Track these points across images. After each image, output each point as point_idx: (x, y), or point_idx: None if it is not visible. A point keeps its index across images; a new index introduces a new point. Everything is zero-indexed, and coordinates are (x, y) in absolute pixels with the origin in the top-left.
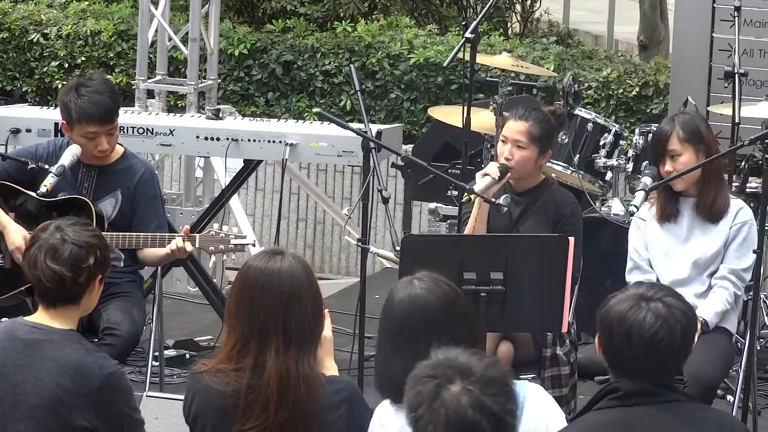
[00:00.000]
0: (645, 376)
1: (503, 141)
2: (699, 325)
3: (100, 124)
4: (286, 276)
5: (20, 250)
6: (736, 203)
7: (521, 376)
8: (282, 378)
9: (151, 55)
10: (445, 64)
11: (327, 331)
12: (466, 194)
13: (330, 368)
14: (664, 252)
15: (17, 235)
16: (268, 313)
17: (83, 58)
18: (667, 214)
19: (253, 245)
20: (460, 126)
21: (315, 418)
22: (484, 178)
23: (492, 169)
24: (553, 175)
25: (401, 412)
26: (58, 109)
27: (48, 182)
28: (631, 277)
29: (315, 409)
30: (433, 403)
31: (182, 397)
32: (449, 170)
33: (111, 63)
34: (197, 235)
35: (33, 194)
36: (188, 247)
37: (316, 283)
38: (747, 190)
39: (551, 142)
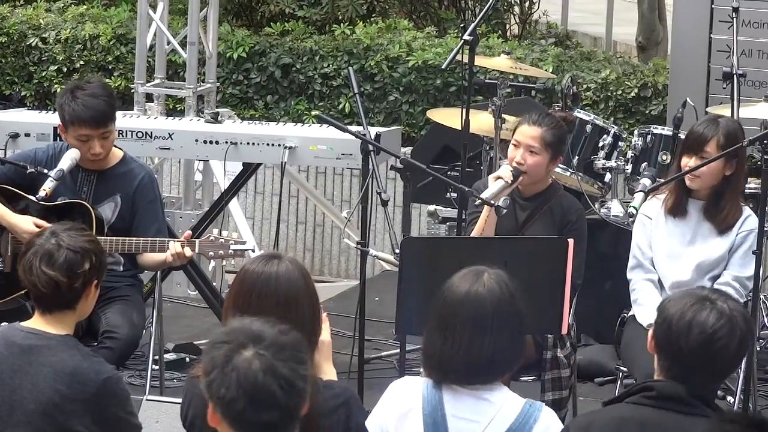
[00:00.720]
0: (692, 375)
1: (515, 145)
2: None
3: (92, 127)
4: (283, 280)
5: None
6: (744, 210)
7: (521, 378)
8: None
9: (149, 59)
10: (443, 67)
11: (325, 335)
12: (479, 198)
13: (328, 372)
14: (667, 253)
15: (28, 223)
16: (264, 317)
17: (82, 62)
18: (676, 209)
19: (253, 251)
20: (459, 128)
21: (312, 423)
22: (497, 182)
23: (506, 172)
24: (552, 176)
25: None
26: (56, 113)
27: (47, 186)
28: (632, 275)
29: (312, 414)
30: (225, 367)
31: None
32: (448, 173)
33: (110, 67)
34: (197, 241)
35: (32, 198)
36: (188, 252)
37: (313, 288)
38: (746, 191)
39: (562, 148)
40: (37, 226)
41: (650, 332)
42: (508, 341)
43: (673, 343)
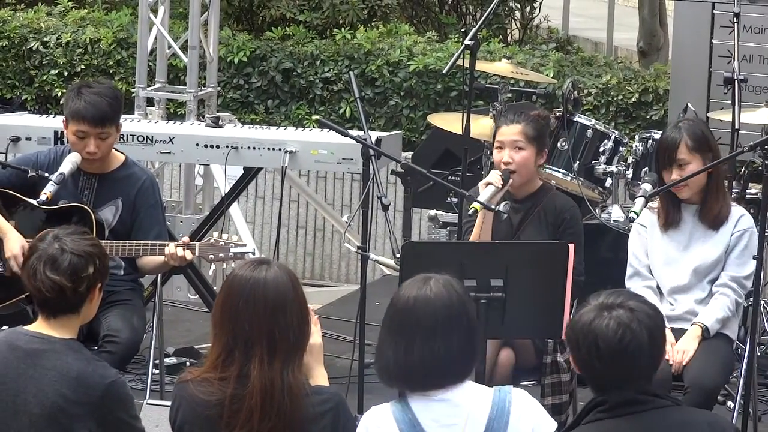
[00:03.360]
0: (623, 385)
1: (499, 148)
2: (668, 328)
3: (90, 124)
4: (271, 286)
5: (17, 258)
6: (737, 210)
7: (521, 383)
8: (266, 388)
9: (150, 63)
10: (444, 71)
11: (316, 338)
12: (472, 206)
13: (319, 376)
14: (664, 259)
15: (15, 244)
16: (252, 323)
17: (83, 66)
18: (670, 221)
19: (253, 254)
20: (460, 133)
21: (299, 429)
22: (488, 188)
23: (494, 177)
24: (552, 181)
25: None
26: (57, 117)
27: (48, 190)
28: (630, 284)
29: (299, 419)
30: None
31: None
32: (449, 177)
33: (110, 71)
34: (197, 244)
35: (33, 202)
36: (188, 255)
37: (302, 293)
38: (747, 196)
39: (545, 141)
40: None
41: (570, 358)
42: (459, 344)
43: (588, 363)
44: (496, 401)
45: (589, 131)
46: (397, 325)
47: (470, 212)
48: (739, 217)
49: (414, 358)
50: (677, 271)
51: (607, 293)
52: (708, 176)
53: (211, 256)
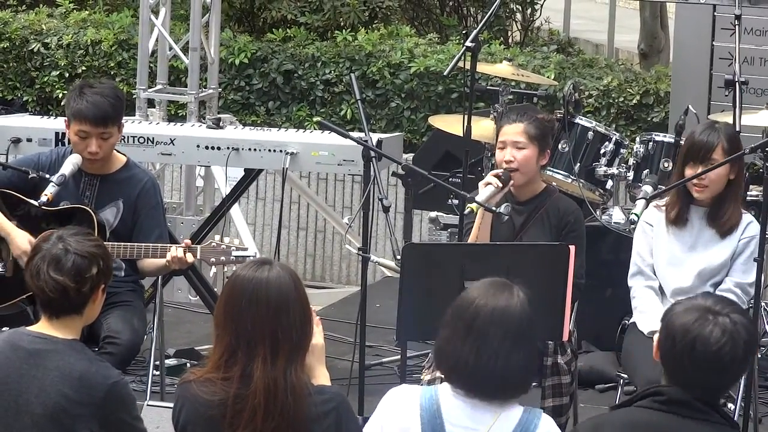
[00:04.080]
0: (695, 388)
1: (501, 147)
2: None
3: (92, 124)
4: (274, 286)
5: (27, 254)
6: (745, 217)
7: None
8: (269, 388)
9: (151, 65)
10: (445, 73)
11: (318, 338)
12: (468, 205)
13: (321, 376)
14: (668, 259)
15: (23, 240)
16: (255, 323)
17: (84, 68)
18: (678, 218)
19: (255, 257)
20: (461, 135)
21: (302, 428)
22: (487, 188)
23: (493, 178)
24: (554, 183)
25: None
26: (58, 118)
27: (49, 191)
28: (633, 282)
29: (302, 419)
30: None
31: None
32: (450, 179)
33: (112, 72)
34: (199, 247)
35: (34, 203)
36: (189, 258)
37: (304, 293)
38: (747, 198)
39: (548, 141)
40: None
41: (655, 343)
42: (532, 355)
43: (677, 359)
44: (523, 421)
45: (590, 133)
46: (478, 329)
47: (466, 212)
48: (748, 224)
49: (499, 366)
50: (681, 273)
51: (714, 298)
52: (728, 182)
53: (213, 259)
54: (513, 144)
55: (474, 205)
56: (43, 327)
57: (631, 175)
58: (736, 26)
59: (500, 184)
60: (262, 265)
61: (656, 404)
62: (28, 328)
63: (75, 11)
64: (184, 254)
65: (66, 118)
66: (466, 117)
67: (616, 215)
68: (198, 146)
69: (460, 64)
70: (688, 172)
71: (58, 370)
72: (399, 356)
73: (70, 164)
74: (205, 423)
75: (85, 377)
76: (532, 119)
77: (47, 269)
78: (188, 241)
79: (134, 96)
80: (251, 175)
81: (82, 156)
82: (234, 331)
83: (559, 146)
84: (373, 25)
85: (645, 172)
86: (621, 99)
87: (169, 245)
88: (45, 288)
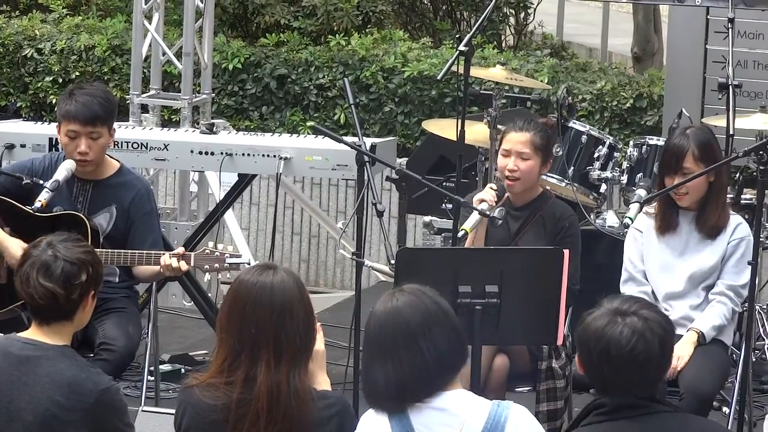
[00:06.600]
0: (628, 390)
1: (505, 155)
2: (681, 335)
3: (81, 123)
4: (278, 290)
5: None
6: (734, 219)
7: (517, 389)
8: (272, 392)
9: (145, 70)
10: (439, 77)
11: (320, 344)
12: (461, 228)
13: (322, 382)
14: (660, 265)
15: (18, 249)
16: (259, 327)
17: (77, 73)
18: (667, 226)
19: (248, 264)
20: (455, 139)
21: None
22: (474, 214)
23: (489, 194)
24: (547, 187)
25: (384, 420)
26: (52, 124)
27: (43, 197)
28: (625, 289)
29: (305, 423)
30: None
31: None
32: (444, 183)
33: (105, 78)
34: (192, 254)
35: (28, 209)
36: (183, 266)
37: (308, 298)
38: (741, 201)
39: (551, 152)
40: None
41: (576, 358)
42: (445, 341)
43: (597, 367)
44: (493, 414)
45: (584, 137)
46: (378, 346)
47: (459, 235)
48: (736, 226)
49: (404, 370)
50: (673, 278)
51: (621, 299)
52: (709, 185)
53: (206, 266)
54: (518, 154)
55: (468, 227)
56: (33, 333)
57: (624, 178)
58: (730, 29)
59: (494, 201)
60: (266, 270)
61: (600, 416)
62: (19, 334)
63: (68, 17)
64: (178, 262)
65: (57, 122)
66: (459, 121)
67: (610, 219)
68: (192, 151)
69: (454, 68)
70: (667, 181)
71: (49, 377)
72: None
73: (63, 170)
74: (207, 427)
75: (76, 383)
76: (539, 129)
77: (36, 276)
78: (182, 249)
79: (128, 101)
80: (245, 180)
81: (73, 158)
82: (237, 335)
83: (553, 150)
84: (367, 30)
85: (639, 175)
86: (614, 103)
87: (162, 252)
88: (34, 294)
